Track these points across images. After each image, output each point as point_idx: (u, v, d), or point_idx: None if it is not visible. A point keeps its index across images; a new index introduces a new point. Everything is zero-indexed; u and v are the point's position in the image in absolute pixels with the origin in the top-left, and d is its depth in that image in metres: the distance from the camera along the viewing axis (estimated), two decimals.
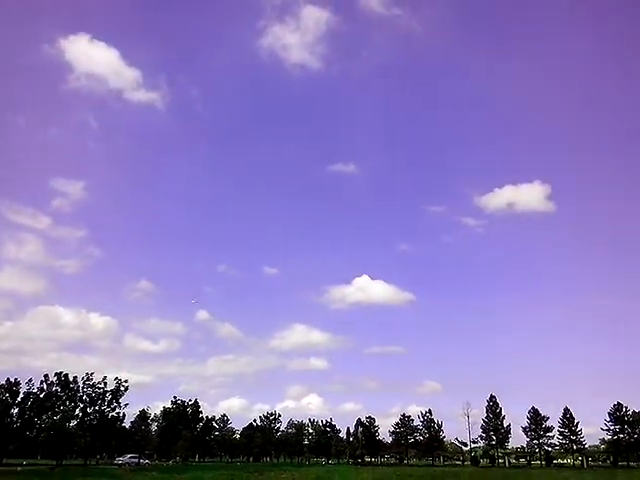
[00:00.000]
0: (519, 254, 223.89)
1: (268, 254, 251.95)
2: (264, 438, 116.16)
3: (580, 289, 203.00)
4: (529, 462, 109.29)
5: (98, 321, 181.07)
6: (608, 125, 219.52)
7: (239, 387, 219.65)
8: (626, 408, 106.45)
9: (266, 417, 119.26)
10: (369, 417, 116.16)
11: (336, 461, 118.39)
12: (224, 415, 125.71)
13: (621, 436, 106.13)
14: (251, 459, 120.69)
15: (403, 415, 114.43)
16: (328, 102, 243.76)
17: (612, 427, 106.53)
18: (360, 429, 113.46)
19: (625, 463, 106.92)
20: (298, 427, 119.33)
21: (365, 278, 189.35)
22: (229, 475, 40.14)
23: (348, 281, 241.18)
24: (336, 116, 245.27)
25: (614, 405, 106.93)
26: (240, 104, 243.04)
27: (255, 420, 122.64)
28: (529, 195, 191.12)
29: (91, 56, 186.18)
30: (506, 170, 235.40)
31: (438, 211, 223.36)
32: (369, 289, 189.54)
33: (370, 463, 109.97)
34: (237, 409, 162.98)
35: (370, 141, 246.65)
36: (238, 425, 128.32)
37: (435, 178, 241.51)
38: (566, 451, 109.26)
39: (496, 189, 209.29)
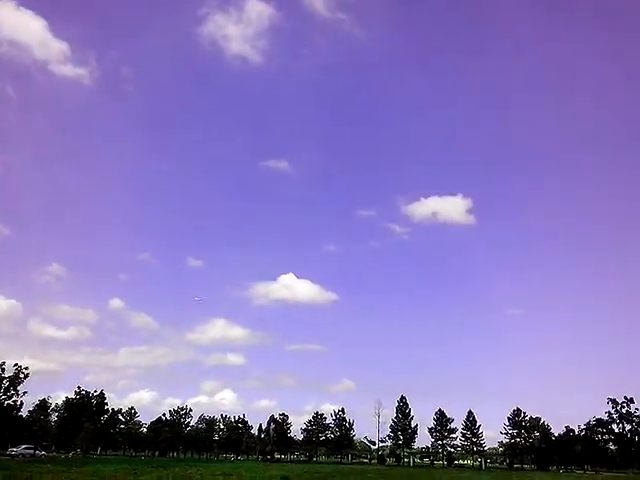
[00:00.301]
0: (440, 262, 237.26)
1: (194, 245, 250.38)
2: (172, 433, 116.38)
3: (492, 299, 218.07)
4: (432, 462, 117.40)
5: (1, 304, 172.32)
6: (528, 146, 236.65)
7: (151, 380, 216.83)
8: (524, 413, 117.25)
9: (176, 411, 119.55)
10: (283, 414, 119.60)
11: (245, 457, 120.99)
12: (132, 408, 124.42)
13: (518, 440, 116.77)
14: (157, 454, 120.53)
15: (316, 413, 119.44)
16: (266, 97, 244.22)
17: (510, 431, 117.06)
18: (273, 426, 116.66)
19: (520, 465, 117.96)
20: (209, 422, 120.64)
21: (291, 276, 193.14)
22: (131, 469, 40.73)
23: (273, 278, 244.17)
24: (273, 111, 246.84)
25: (514, 410, 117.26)
26: (174, 90, 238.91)
27: (164, 414, 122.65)
28: (452, 207, 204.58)
29: (16, 23, 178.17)
30: (432, 181, 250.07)
31: (367, 215, 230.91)
32: (294, 287, 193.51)
33: (280, 460, 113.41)
34: (147, 402, 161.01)
35: (305, 139, 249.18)
36: (147, 419, 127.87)
37: (366, 183, 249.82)
38: (467, 452, 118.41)
39: (422, 198, 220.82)
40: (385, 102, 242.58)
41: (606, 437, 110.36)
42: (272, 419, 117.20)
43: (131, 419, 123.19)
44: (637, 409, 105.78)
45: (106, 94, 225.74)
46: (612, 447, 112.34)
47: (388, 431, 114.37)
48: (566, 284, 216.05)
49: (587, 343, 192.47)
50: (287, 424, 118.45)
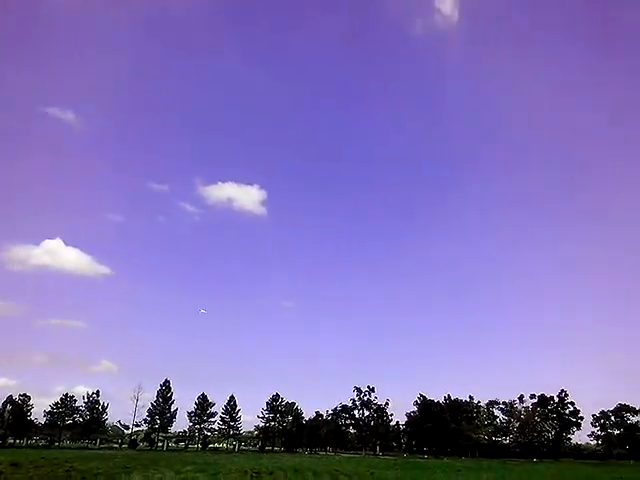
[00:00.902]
0: (229, 248, 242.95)
1: None
2: None
3: (270, 291, 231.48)
4: (186, 446, 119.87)
5: None
6: (330, 149, 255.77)
7: None
8: (282, 399, 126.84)
9: None
10: (23, 395, 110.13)
11: None
12: None
13: (273, 423, 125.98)
14: None
15: (66, 395, 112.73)
16: (62, 33, 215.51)
17: (267, 415, 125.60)
18: (9, 408, 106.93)
19: (271, 448, 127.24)
20: None
21: (58, 242, 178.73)
22: None
23: (36, 242, 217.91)
24: (66, 53, 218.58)
25: (273, 395, 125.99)
26: None
27: None
28: (247, 196, 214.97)
29: None
30: (232, 167, 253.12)
31: (159, 190, 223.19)
32: (61, 255, 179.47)
33: (13, 445, 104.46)
34: None
35: (101, 93, 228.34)
36: None
37: (163, 155, 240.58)
38: (223, 436, 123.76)
39: (219, 182, 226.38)
40: (199, 69, 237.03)
41: (348, 422, 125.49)
42: (9, 400, 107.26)
43: None
44: (376, 397, 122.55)
45: None
46: (352, 431, 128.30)
47: (146, 415, 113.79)
48: (335, 278, 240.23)
49: (347, 335, 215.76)
50: (28, 406, 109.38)
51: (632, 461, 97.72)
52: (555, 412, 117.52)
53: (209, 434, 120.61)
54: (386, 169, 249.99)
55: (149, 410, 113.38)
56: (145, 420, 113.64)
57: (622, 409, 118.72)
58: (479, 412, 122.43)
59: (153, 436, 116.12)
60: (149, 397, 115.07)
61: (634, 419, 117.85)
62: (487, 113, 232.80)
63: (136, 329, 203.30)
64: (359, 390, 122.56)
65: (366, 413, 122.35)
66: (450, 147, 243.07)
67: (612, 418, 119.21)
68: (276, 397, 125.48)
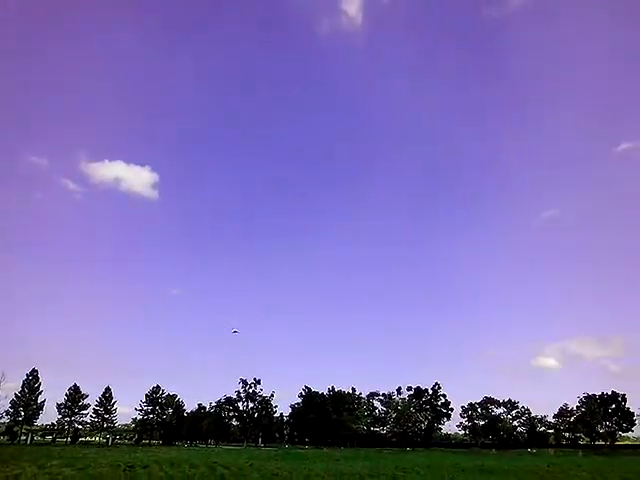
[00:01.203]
0: (114, 229, 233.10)
1: None
2: None
3: (156, 279, 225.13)
4: (54, 439, 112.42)
5: None
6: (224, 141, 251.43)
7: None
8: (163, 390, 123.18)
9: None
10: None
11: None
12: None
13: (151, 416, 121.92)
14: None
15: None
16: None
17: (145, 407, 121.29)
18: None
19: (148, 441, 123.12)
20: None
21: None
22: None
23: None
24: None
25: (153, 387, 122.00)
26: None
27: None
28: (137, 178, 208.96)
29: None
30: (122, 145, 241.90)
31: (36, 163, 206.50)
32: None
33: None
34: None
35: None
36: None
37: (44, 124, 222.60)
38: (96, 429, 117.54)
39: (107, 161, 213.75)
40: (97, 42, 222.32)
41: (232, 414, 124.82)
42: None
43: None
44: (262, 389, 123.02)
45: None
46: (235, 423, 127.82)
47: (8, 406, 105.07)
48: (226, 268, 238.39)
49: (236, 326, 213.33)
50: None
51: (494, 450, 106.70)
52: (429, 404, 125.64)
53: (80, 427, 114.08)
54: (283, 162, 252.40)
55: (12, 401, 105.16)
56: (7, 412, 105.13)
57: (488, 401, 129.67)
58: (360, 403, 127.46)
59: (16, 429, 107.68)
60: (13, 387, 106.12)
61: (498, 411, 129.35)
62: (389, 113, 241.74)
63: (5, 314, 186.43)
64: (245, 382, 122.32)
65: (250, 405, 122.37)
66: (347, 145, 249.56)
67: (478, 410, 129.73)
68: (156, 389, 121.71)
